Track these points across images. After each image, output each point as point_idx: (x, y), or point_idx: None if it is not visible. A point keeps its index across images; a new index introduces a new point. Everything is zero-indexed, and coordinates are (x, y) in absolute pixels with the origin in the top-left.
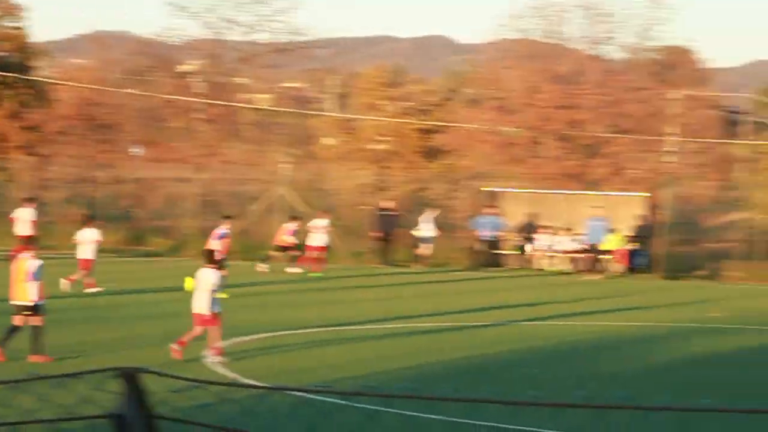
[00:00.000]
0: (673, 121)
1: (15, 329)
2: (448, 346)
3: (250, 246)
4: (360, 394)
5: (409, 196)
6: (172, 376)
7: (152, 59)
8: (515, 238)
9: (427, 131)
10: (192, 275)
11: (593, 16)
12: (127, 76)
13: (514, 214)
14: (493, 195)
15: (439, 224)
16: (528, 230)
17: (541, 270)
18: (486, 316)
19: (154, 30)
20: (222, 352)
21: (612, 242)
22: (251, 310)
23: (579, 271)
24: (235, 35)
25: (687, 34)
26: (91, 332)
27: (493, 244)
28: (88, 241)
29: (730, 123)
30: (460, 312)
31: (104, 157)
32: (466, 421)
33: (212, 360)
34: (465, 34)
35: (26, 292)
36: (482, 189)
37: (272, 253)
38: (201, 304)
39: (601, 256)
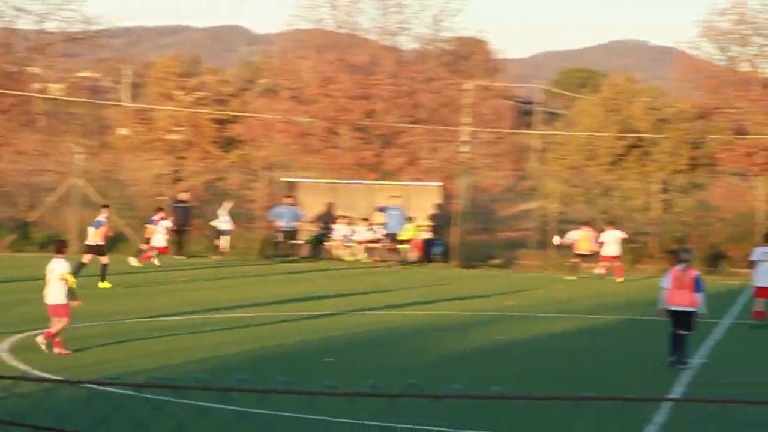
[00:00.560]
0: (466, 111)
1: None
2: (248, 336)
3: (45, 238)
4: (148, 385)
5: (206, 187)
6: None
7: None
8: (313, 229)
9: (223, 121)
10: None
11: (386, 7)
12: None
13: (312, 205)
14: (290, 185)
15: (237, 215)
16: (325, 220)
17: (340, 260)
18: (285, 306)
19: None
20: (49, 337)
21: (408, 232)
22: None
23: (376, 261)
24: (26, 24)
25: (478, 25)
26: None
27: (291, 234)
28: None
29: (523, 113)
30: (260, 303)
31: None
32: (260, 411)
33: (40, 342)
34: (261, 24)
35: None
36: (279, 179)
37: (144, 246)
38: (54, 294)
39: (398, 246)
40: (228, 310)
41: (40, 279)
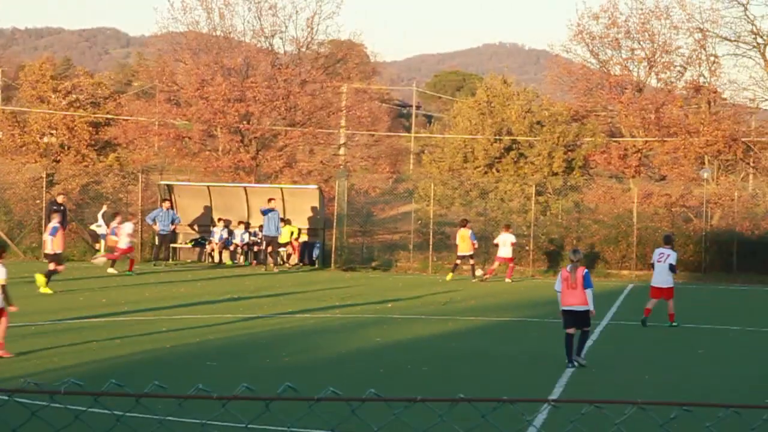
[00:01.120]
0: (343, 114)
1: None
2: (126, 340)
3: None
4: (22, 390)
5: (82, 191)
6: None
7: None
8: (191, 232)
9: (99, 124)
10: None
11: (261, 10)
12: None
13: (190, 208)
14: (167, 188)
15: (111, 219)
16: (204, 223)
17: (218, 263)
18: (163, 310)
19: None
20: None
21: (287, 235)
22: None
23: (255, 264)
24: None
25: (354, 28)
26: None
27: (168, 238)
28: None
29: (399, 116)
30: (138, 306)
31: None
32: (134, 415)
33: None
34: (135, 27)
35: None
36: (156, 183)
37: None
38: None
39: (276, 249)
40: (104, 315)
41: None
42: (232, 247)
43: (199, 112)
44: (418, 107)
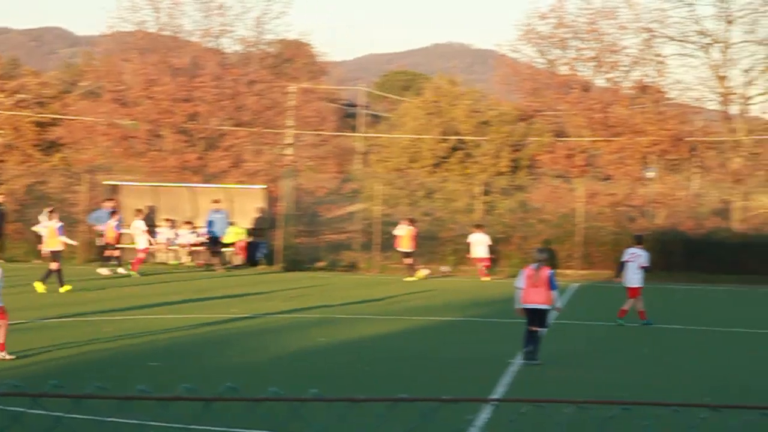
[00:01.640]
0: (290, 113)
1: None
2: (69, 341)
3: None
4: None
5: (27, 191)
6: None
7: None
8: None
9: (44, 124)
10: None
11: (209, 9)
12: None
13: (135, 208)
14: (113, 188)
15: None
16: (149, 224)
17: (163, 263)
18: (108, 311)
19: None
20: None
21: (232, 235)
22: None
23: (200, 265)
24: None
25: (302, 28)
26: None
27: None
28: None
29: (346, 115)
30: (82, 308)
31: None
32: (74, 416)
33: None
34: (82, 26)
35: None
36: (102, 183)
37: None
38: None
39: (221, 249)
40: (47, 317)
41: None
42: (176, 248)
43: (145, 111)
44: (365, 107)
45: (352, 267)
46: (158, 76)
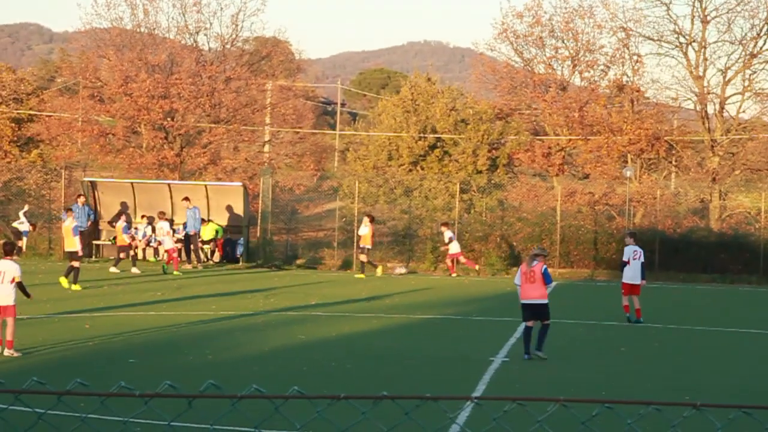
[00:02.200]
0: (267, 111)
1: None
2: (48, 338)
3: None
4: None
5: (4, 187)
6: None
7: None
8: (113, 229)
9: (21, 121)
10: None
11: (186, 6)
12: None
13: (113, 205)
14: (90, 185)
15: (36, 216)
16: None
17: (141, 260)
18: (87, 308)
19: None
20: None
21: (210, 232)
22: None
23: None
24: None
25: (279, 25)
26: None
27: (87, 233)
28: None
29: (324, 113)
30: (61, 305)
31: None
32: (56, 413)
33: (9, 354)
34: (58, 23)
35: None
36: (80, 179)
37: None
38: (5, 295)
39: (199, 246)
40: (26, 314)
41: None
42: (155, 245)
43: (122, 108)
44: (342, 105)
45: (329, 264)
46: (135, 73)
